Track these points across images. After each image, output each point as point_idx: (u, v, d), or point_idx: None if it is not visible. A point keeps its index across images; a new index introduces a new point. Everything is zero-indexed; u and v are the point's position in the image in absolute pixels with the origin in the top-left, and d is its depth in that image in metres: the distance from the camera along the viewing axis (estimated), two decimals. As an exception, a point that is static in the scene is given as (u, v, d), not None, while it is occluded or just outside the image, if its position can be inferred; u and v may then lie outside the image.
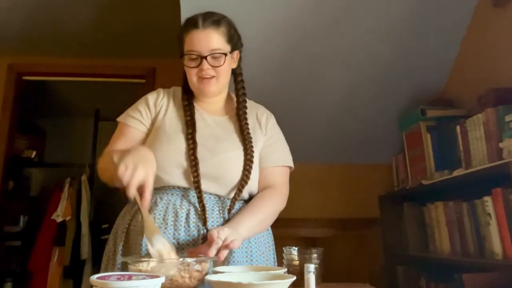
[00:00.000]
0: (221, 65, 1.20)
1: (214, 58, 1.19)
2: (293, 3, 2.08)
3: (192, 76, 1.21)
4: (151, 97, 1.29)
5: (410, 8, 2.12)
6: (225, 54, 1.20)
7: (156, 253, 0.94)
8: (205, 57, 1.18)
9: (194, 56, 1.19)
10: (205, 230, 1.14)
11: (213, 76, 1.21)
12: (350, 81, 2.40)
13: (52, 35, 3.00)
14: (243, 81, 1.31)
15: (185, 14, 2.00)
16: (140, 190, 0.99)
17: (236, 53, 1.27)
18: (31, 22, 2.84)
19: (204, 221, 1.14)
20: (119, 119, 1.28)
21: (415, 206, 2.24)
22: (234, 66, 1.28)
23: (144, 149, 1.07)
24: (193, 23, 1.20)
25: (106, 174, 1.19)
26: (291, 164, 1.32)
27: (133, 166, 0.96)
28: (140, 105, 1.28)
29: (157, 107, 1.27)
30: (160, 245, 0.96)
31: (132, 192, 0.97)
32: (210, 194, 1.18)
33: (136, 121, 1.25)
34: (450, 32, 2.24)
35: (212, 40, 1.18)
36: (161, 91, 1.32)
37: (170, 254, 0.96)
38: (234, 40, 1.24)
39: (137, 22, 2.81)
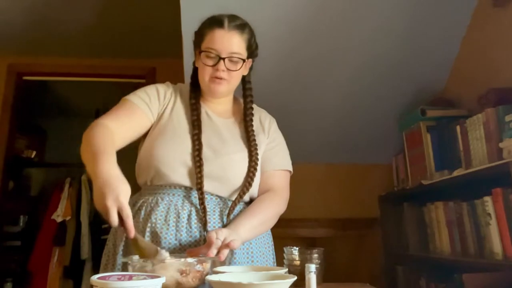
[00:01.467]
0: (237, 70, 1.20)
1: (231, 61, 1.18)
2: (293, 5, 2.08)
3: (205, 75, 1.20)
4: (161, 88, 1.28)
5: (410, 9, 2.12)
6: (243, 60, 1.20)
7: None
8: (223, 59, 1.17)
9: (212, 55, 1.18)
10: (205, 232, 1.13)
11: (225, 79, 1.20)
12: (350, 81, 2.40)
13: (52, 35, 3.00)
14: (251, 89, 1.31)
15: (185, 14, 2.00)
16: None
17: (249, 61, 1.26)
18: (31, 22, 2.84)
19: (204, 223, 1.14)
20: (126, 97, 1.23)
21: (415, 206, 2.24)
22: (245, 73, 1.28)
23: (108, 168, 0.95)
24: (218, 22, 1.19)
25: (83, 150, 1.07)
26: (291, 169, 1.32)
27: (104, 205, 0.89)
28: (150, 91, 1.25)
29: (165, 99, 1.26)
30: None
31: (115, 222, 0.90)
32: (212, 195, 1.18)
33: (143, 103, 1.21)
34: (450, 32, 2.24)
35: (234, 43, 1.18)
36: (170, 85, 1.32)
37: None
38: (252, 49, 1.24)
39: (137, 22, 2.81)
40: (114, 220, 0.90)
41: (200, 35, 1.22)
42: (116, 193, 0.90)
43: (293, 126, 2.44)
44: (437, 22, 2.19)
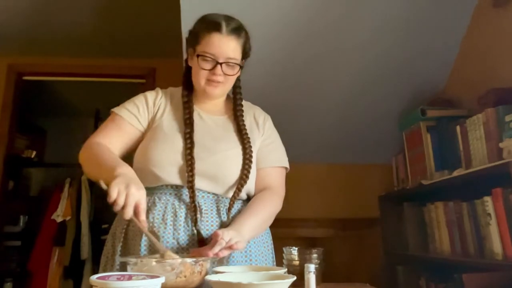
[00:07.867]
0: (233, 75, 1.21)
1: (228, 66, 1.19)
2: (294, 5, 2.08)
3: (201, 78, 1.20)
4: (150, 95, 1.28)
5: (410, 9, 2.12)
6: (239, 66, 1.21)
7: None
8: (221, 64, 1.17)
9: (208, 59, 1.17)
10: (204, 231, 1.13)
11: (221, 82, 1.20)
12: (350, 81, 2.40)
13: (52, 35, 3.00)
14: (240, 87, 1.32)
15: (185, 15, 2.01)
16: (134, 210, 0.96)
17: (242, 61, 1.27)
18: (31, 22, 2.84)
19: (195, 222, 1.13)
20: (114, 109, 1.25)
21: (415, 206, 2.24)
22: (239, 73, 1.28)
23: (130, 170, 1.03)
24: (215, 25, 1.17)
25: (89, 169, 1.15)
26: (287, 165, 1.32)
27: (125, 189, 0.93)
28: (139, 101, 1.27)
29: (155, 106, 1.26)
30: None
31: (130, 214, 0.94)
32: (208, 193, 1.18)
33: (131, 115, 1.23)
34: (450, 32, 2.24)
35: (231, 48, 1.17)
36: (159, 90, 1.32)
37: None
38: (246, 50, 1.24)
39: (137, 22, 2.81)
40: (130, 213, 0.94)
41: (195, 36, 1.21)
42: (139, 188, 0.96)
43: (293, 126, 2.45)
44: (437, 22, 2.19)
